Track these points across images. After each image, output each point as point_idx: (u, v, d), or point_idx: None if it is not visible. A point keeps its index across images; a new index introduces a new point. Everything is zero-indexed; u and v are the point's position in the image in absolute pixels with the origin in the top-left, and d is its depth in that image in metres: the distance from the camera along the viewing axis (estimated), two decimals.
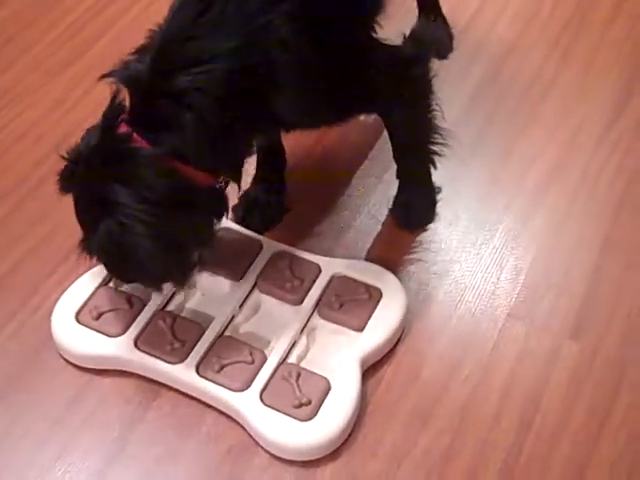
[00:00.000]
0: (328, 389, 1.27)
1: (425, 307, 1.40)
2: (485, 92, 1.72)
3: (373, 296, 1.37)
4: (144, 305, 1.37)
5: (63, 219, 1.53)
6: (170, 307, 1.39)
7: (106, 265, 1.28)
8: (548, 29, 1.84)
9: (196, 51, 1.16)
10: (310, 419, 1.24)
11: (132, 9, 1.89)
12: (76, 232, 1.49)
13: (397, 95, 1.32)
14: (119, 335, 1.33)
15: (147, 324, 1.35)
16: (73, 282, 1.41)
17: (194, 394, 1.30)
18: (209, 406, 1.29)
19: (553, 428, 1.27)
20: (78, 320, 1.35)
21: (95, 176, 1.19)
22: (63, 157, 1.24)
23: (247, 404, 1.26)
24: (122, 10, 1.89)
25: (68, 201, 1.55)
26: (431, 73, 1.36)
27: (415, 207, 1.51)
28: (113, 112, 1.20)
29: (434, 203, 1.51)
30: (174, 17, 1.20)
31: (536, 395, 1.31)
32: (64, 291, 1.39)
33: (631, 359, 1.34)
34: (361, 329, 1.34)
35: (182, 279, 1.28)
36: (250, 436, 1.26)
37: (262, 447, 1.25)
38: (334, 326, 1.36)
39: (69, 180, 1.25)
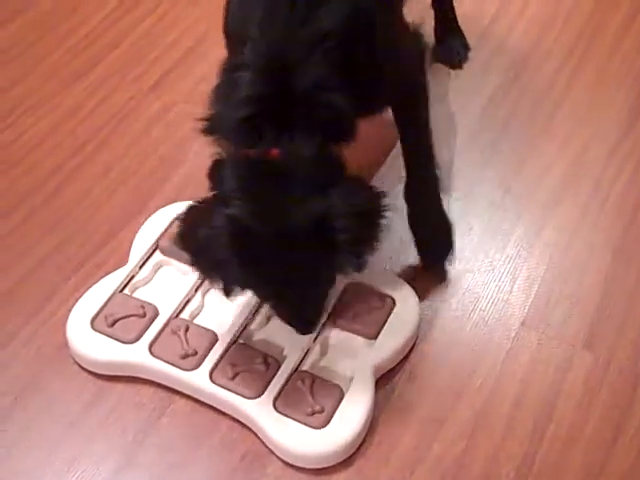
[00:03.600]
0: (341, 397, 1.27)
1: (438, 316, 1.41)
2: (499, 102, 1.73)
3: (386, 304, 1.37)
4: (158, 312, 1.38)
5: (78, 226, 1.55)
6: (184, 314, 1.39)
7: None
8: (561, 40, 1.85)
9: (307, 39, 1.14)
10: (323, 427, 1.25)
11: (147, 20, 1.90)
12: (91, 239, 1.52)
13: (416, 79, 1.35)
14: (134, 342, 1.34)
15: (161, 331, 1.35)
16: (88, 289, 1.41)
17: (208, 401, 1.30)
18: (223, 413, 1.30)
19: (566, 437, 1.27)
20: (93, 327, 1.36)
21: (286, 211, 1.14)
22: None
23: (260, 411, 1.26)
24: (137, 20, 1.90)
25: (83, 208, 1.58)
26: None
27: (432, 234, 1.45)
28: (236, 155, 1.16)
29: (449, 233, 1.43)
30: (267, 26, 1.15)
31: (549, 404, 1.31)
32: (79, 298, 1.40)
33: None
34: (374, 337, 1.34)
35: None
36: (263, 444, 1.26)
37: (275, 455, 1.25)
38: (347, 334, 1.36)
39: (247, 254, 1.15)
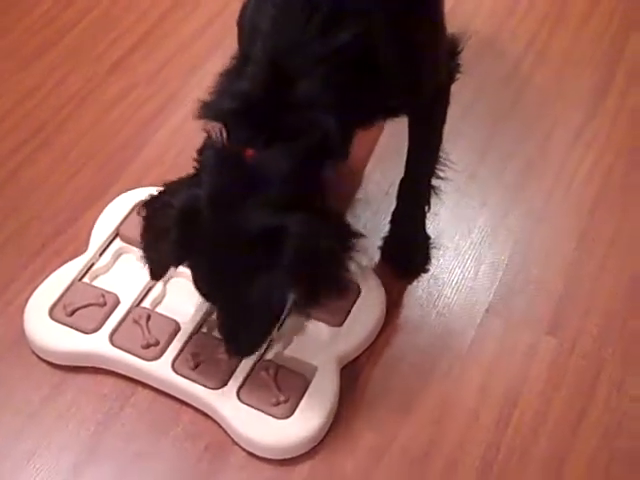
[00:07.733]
0: (306, 386, 1.26)
1: (403, 303, 1.40)
2: (462, 86, 1.70)
3: (352, 292, 1.36)
4: (119, 301, 1.35)
5: (37, 211, 1.52)
6: (145, 303, 1.37)
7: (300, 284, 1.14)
8: (525, 23, 1.84)
9: (316, 52, 1.12)
10: (288, 417, 1.23)
11: (105, 1, 1.86)
12: (49, 225, 1.49)
13: (444, 84, 1.35)
14: (94, 331, 1.31)
15: (122, 320, 1.33)
16: (47, 277, 1.38)
17: (170, 391, 1.28)
18: (186, 404, 1.28)
19: (531, 423, 1.28)
20: (52, 316, 1.33)
21: (241, 210, 1.11)
22: (161, 208, 1.17)
23: (224, 402, 1.25)
24: (95, 1, 1.85)
25: (41, 193, 1.54)
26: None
27: (411, 254, 1.45)
28: (219, 142, 1.14)
29: (428, 249, 1.45)
30: (279, 28, 1.13)
31: (514, 390, 1.31)
32: (37, 286, 1.37)
33: (608, 354, 1.35)
34: (339, 325, 1.33)
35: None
36: (227, 434, 1.25)
37: (239, 445, 1.24)
38: (312, 322, 1.34)
39: (190, 233, 1.14)
